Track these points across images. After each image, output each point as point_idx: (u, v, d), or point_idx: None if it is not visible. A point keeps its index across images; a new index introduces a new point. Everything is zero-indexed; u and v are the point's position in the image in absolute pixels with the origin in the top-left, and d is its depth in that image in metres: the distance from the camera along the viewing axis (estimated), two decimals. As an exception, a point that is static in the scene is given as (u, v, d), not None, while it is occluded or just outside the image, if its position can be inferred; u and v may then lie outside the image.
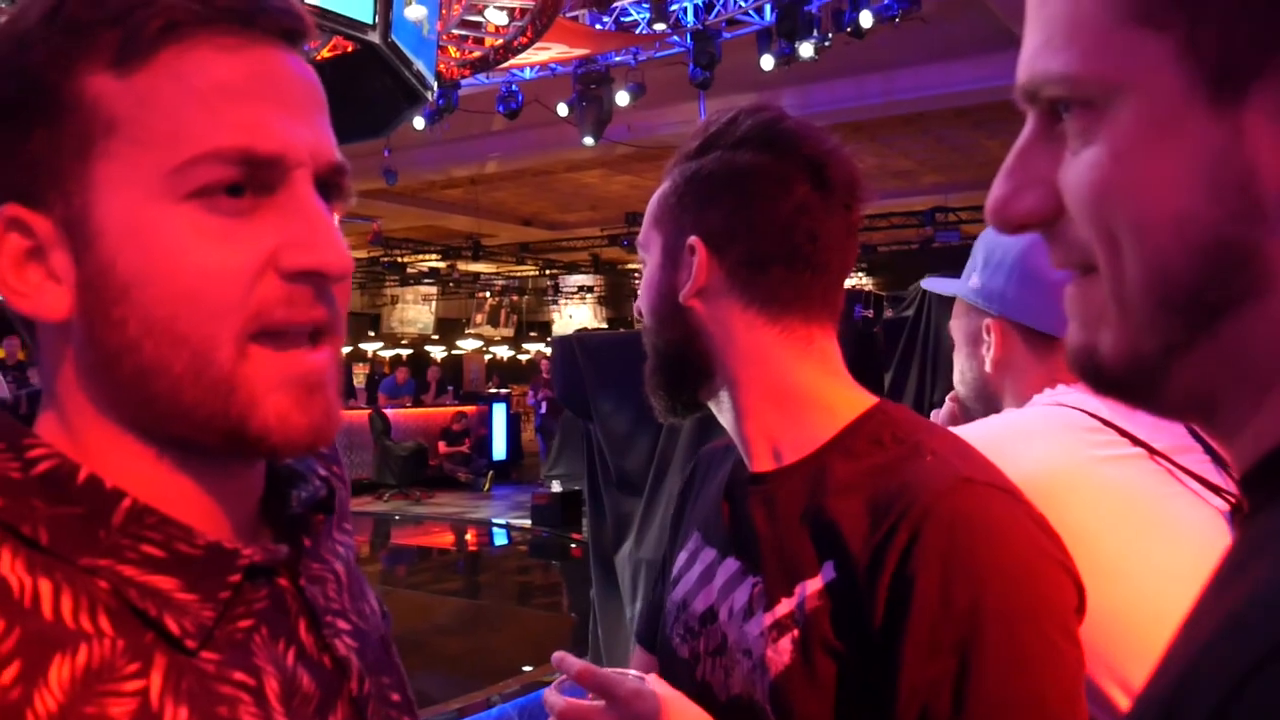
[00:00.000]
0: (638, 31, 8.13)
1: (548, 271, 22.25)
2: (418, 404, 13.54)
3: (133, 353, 0.50)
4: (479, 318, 22.59)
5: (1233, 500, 1.05)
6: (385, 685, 0.63)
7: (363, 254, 16.90)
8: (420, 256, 18.96)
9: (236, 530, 0.57)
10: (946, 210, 13.20)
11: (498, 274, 22.96)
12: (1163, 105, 0.36)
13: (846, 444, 0.85)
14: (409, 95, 4.21)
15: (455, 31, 6.62)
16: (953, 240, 12.86)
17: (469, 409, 13.21)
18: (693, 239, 0.89)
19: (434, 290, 22.41)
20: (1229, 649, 0.33)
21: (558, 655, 0.90)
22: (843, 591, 0.80)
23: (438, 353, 21.89)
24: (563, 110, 8.89)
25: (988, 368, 1.25)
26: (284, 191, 0.52)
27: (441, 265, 19.56)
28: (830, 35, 7.54)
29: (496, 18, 6.51)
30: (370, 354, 20.53)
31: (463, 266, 19.88)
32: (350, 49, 3.79)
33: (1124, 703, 0.98)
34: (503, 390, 16.33)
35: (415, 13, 4.03)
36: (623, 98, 8.67)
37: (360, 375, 17.81)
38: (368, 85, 3.99)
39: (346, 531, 0.68)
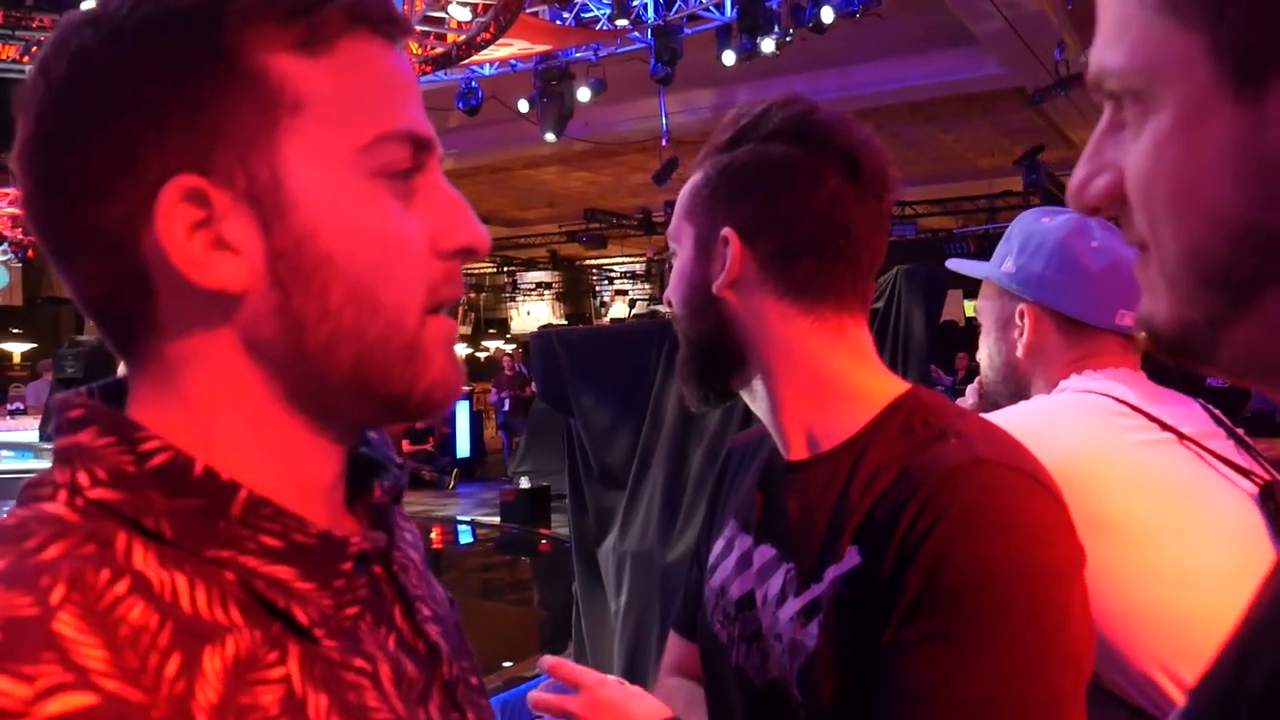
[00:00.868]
0: (599, 27, 8.13)
1: (505, 269, 22.15)
2: (379, 403, 13.35)
3: (332, 319, 0.52)
4: (437, 316, 22.36)
5: (1260, 483, 1.08)
6: (466, 669, 0.64)
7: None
8: (377, 254, 18.72)
9: (336, 520, 0.57)
10: (903, 204, 13.35)
11: (455, 271, 22.71)
12: (1195, 97, 0.38)
13: (879, 431, 0.87)
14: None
15: (418, 28, 6.56)
16: (909, 234, 13.01)
17: (431, 407, 13.05)
18: (726, 230, 0.90)
19: (391, 288, 22.13)
20: None
21: (545, 660, 1.02)
22: (866, 575, 0.81)
23: (396, 351, 21.59)
24: (524, 107, 8.86)
25: (1019, 353, 1.25)
26: (428, 178, 0.56)
27: (398, 263, 19.33)
28: (791, 31, 7.60)
29: (459, 13, 6.48)
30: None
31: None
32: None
33: (1171, 689, 0.99)
34: (465, 388, 16.21)
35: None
36: (584, 94, 8.67)
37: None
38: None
39: (408, 519, 0.69)
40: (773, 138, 0.90)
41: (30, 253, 12.75)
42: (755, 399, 0.95)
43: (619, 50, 8.49)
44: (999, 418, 1.04)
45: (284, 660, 0.49)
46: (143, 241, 0.50)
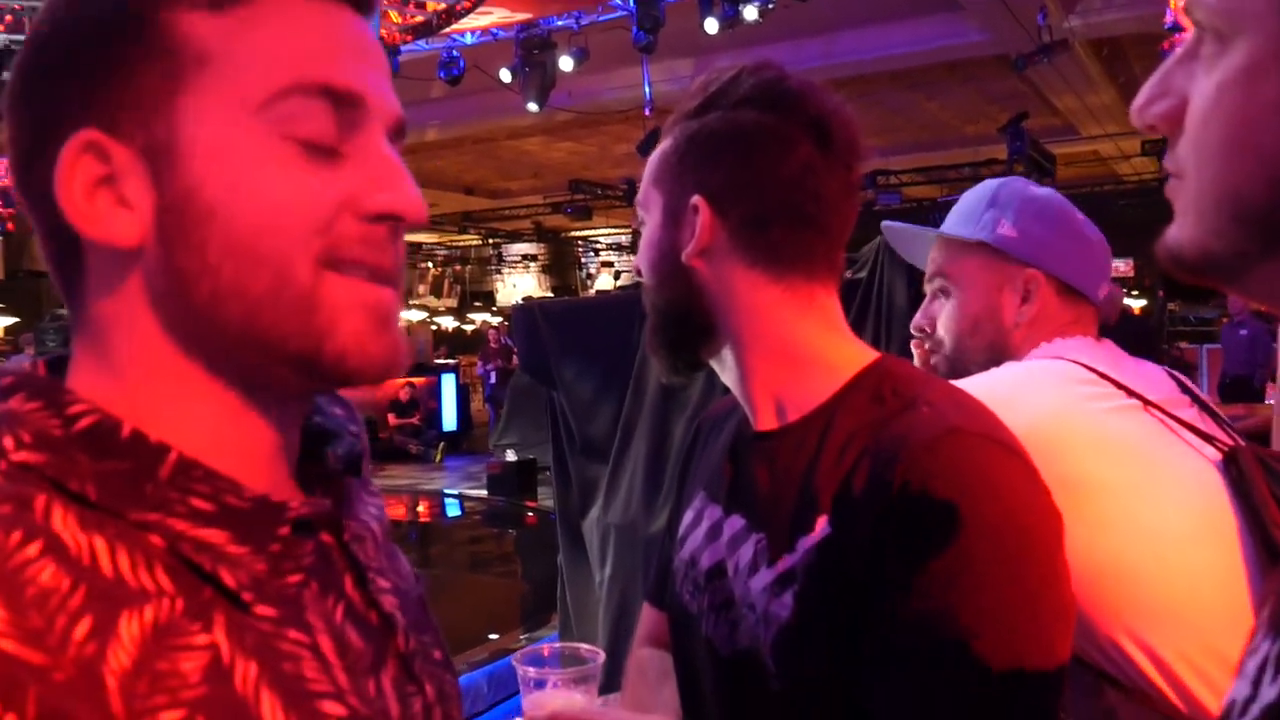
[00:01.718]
0: (580, -5, 8.04)
1: (490, 240, 22.05)
2: (364, 377, 13.33)
3: (211, 275, 0.51)
4: (421, 288, 22.33)
5: (1224, 449, 1.08)
6: (427, 643, 0.64)
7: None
8: (360, 227, 18.60)
9: (277, 486, 0.56)
10: (888, 173, 13.32)
11: (439, 244, 22.67)
12: (1264, 49, 0.40)
13: (848, 400, 0.86)
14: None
15: (397, -4, 6.48)
16: (894, 203, 12.97)
17: (418, 380, 13.07)
18: (696, 198, 0.89)
19: (376, 261, 22.02)
20: None
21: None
22: (838, 545, 0.80)
23: (381, 325, 21.53)
24: (506, 76, 8.77)
25: (1017, 319, 1.20)
26: (362, 139, 0.54)
27: (383, 236, 19.22)
28: (774, -2, 7.53)
29: (438, -19, 6.38)
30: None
31: (404, 236, 19.58)
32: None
33: (1136, 653, 1.00)
34: (451, 361, 16.20)
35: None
36: (566, 63, 8.58)
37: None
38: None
39: (374, 494, 0.68)
40: (743, 104, 0.89)
41: (10, 225, 12.63)
42: (724, 368, 0.95)
43: (601, 18, 8.40)
44: (969, 384, 1.03)
45: (209, 628, 0.48)
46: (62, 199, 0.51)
